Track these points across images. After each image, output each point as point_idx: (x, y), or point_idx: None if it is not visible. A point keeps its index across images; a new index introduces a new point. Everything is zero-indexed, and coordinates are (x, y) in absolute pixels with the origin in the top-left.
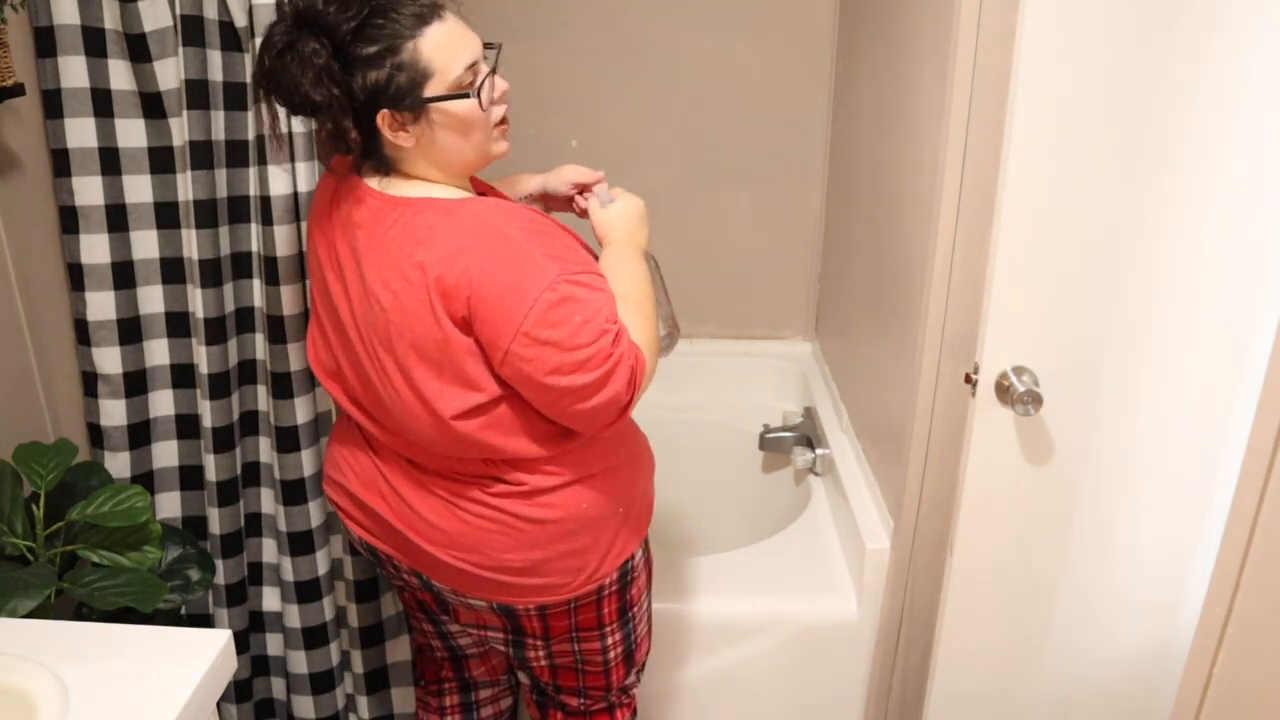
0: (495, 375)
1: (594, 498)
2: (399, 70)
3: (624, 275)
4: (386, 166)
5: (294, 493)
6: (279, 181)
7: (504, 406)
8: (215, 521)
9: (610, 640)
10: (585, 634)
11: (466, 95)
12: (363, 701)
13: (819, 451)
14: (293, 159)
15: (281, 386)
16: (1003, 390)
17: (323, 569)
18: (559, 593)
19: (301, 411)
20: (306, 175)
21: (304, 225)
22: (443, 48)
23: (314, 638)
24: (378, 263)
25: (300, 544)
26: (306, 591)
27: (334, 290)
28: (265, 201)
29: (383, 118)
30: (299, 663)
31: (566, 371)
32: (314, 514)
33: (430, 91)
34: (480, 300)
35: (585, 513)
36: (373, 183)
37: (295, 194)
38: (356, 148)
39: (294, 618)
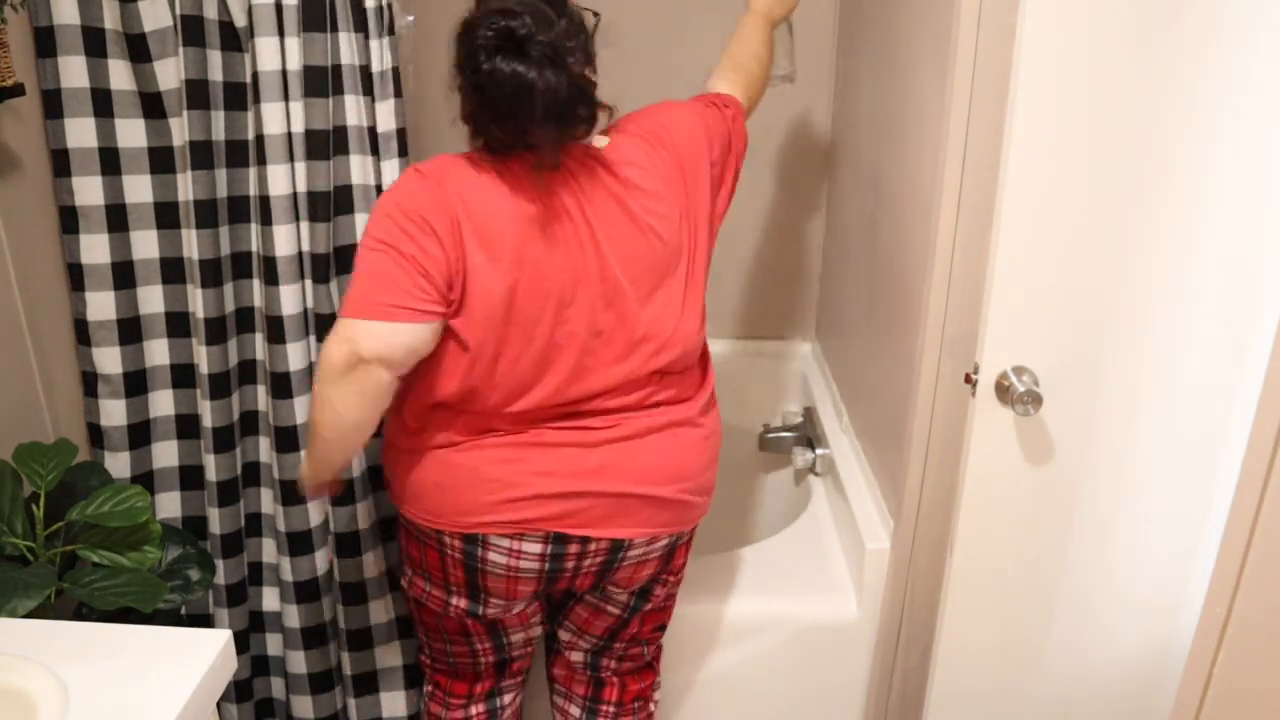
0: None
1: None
2: (583, 26)
3: (745, 40)
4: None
5: (293, 493)
6: (279, 181)
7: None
8: (215, 521)
9: (682, 570)
10: (680, 565)
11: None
12: (352, 704)
13: (819, 451)
14: (292, 159)
15: (281, 386)
16: (1003, 390)
17: (321, 569)
18: (706, 509)
19: (301, 411)
20: (306, 176)
21: (303, 225)
22: None
23: (313, 638)
24: (640, 199)
25: (299, 544)
26: (306, 591)
27: (576, 261)
28: (265, 201)
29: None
30: (298, 663)
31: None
32: (313, 514)
33: None
34: (691, 136)
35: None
36: (597, 142)
37: (295, 194)
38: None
39: (293, 618)
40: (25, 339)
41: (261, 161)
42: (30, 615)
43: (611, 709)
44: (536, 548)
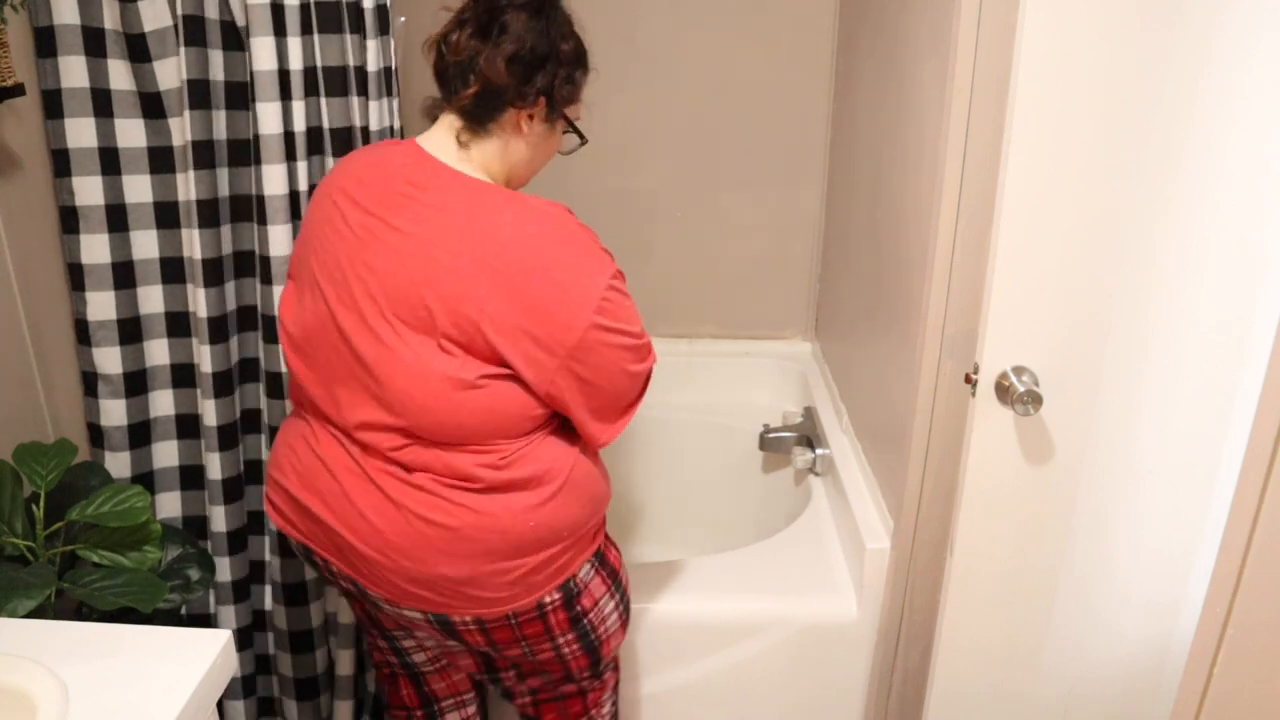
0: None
1: (541, 518)
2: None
3: None
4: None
5: None
6: (276, 181)
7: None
8: (219, 519)
9: (563, 641)
10: (536, 642)
11: None
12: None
13: (819, 451)
14: (292, 158)
15: (276, 386)
16: (1003, 390)
17: (310, 574)
18: (495, 606)
19: None
20: (304, 174)
21: (300, 225)
22: None
23: (302, 640)
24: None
25: None
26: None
27: (367, 253)
28: (261, 201)
29: None
30: (287, 664)
31: (632, 358)
32: None
33: None
34: (543, 288)
35: (530, 532)
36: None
37: (295, 193)
38: None
39: (281, 619)
40: (25, 339)
41: (258, 161)
42: (30, 615)
43: None
44: (291, 541)
